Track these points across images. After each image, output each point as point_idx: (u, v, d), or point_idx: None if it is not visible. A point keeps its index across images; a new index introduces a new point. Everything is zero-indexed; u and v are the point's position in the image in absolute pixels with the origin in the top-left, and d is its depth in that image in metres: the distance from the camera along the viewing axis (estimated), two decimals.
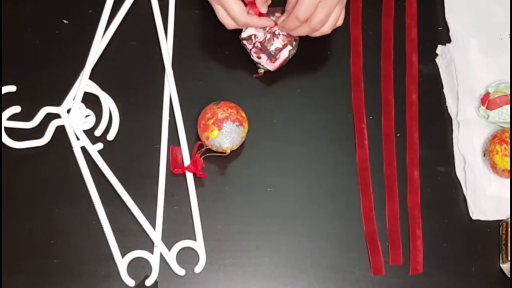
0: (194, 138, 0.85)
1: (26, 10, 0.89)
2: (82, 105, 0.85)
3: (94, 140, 0.84)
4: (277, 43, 0.85)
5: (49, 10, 0.89)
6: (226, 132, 0.81)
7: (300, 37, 0.86)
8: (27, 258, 0.80)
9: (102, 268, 0.80)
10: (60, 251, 0.80)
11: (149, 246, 0.81)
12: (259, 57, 0.85)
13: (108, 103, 0.85)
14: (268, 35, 0.85)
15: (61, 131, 0.84)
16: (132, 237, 0.81)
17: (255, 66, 0.88)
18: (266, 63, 0.86)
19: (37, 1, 0.90)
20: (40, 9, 0.89)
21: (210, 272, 0.81)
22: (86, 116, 0.85)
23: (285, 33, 0.85)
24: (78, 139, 0.84)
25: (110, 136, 0.85)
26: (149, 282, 0.79)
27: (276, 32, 0.85)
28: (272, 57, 0.85)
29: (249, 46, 0.86)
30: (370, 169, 0.86)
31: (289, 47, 0.86)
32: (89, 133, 0.84)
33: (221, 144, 0.81)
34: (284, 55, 0.85)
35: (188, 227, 0.82)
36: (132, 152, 0.85)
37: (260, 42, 0.85)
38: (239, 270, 0.81)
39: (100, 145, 0.84)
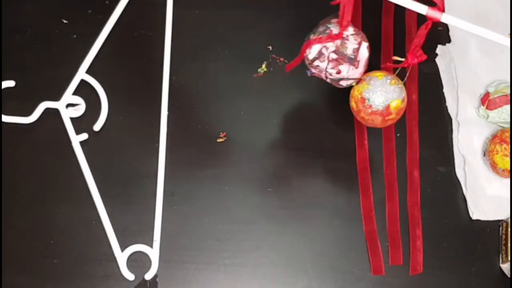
0: (194, 138, 0.86)
1: (26, 10, 0.89)
2: (80, 100, 0.86)
3: (93, 138, 0.84)
4: (351, 44, 0.78)
5: (49, 10, 0.90)
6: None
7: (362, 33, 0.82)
8: (27, 258, 0.80)
9: (102, 268, 0.80)
10: (60, 251, 0.80)
11: (148, 246, 0.81)
12: (339, 72, 0.78)
13: (100, 94, 0.86)
14: (338, 41, 0.77)
15: (61, 131, 0.84)
16: (132, 237, 0.81)
17: (255, 66, 0.88)
18: (350, 74, 0.79)
19: (37, 1, 0.90)
20: (40, 9, 0.90)
21: (210, 272, 0.81)
22: (76, 104, 0.86)
23: (353, 33, 0.79)
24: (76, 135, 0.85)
25: (97, 127, 0.85)
26: (148, 276, 0.79)
27: (345, 35, 0.78)
28: (352, 61, 0.78)
29: (322, 65, 0.78)
30: (370, 169, 0.86)
31: (365, 44, 0.80)
32: (90, 134, 0.85)
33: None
34: (363, 54, 0.79)
35: (187, 227, 0.82)
36: (132, 151, 0.85)
37: (334, 52, 0.77)
38: (239, 270, 0.81)
39: (85, 135, 0.84)
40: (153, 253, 0.81)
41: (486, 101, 0.87)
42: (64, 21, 0.90)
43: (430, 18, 0.72)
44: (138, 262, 0.81)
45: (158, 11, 0.91)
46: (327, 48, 0.78)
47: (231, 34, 0.90)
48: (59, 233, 0.81)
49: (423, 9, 0.72)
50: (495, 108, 0.86)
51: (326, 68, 0.78)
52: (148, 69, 0.88)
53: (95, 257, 0.80)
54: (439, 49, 0.92)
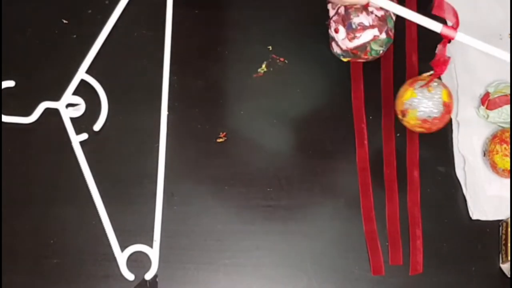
0: (194, 138, 0.86)
1: (26, 10, 0.89)
2: (80, 100, 0.86)
3: (93, 138, 0.84)
4: (364, 18, 0.75)
5: (49, 10, 0.90)
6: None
7: (390, 35, 0.81)
8: (27, 258, 0.80)
9: (102, 268, 0.80)
10: (59, 251, 0.80)
11: (148, 246, 0.81)
12: (336, 30, 0.76)
13: (100, 94, 0.86)
14: (359, 6, 0.73)
15: (61, 131, 0.84)
16: (132, 237, 0.81)
17: (255, 66, 0.88)
18: (341, 42, 0.76)
19: (37, 1, 0.90)
20: (40, 9, 0.89)
21: (210, 272, 0.81)
22: (76, 104, 0.86)
23: (380, 15, 0.76)
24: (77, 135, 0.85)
25: (97, 127, 0.85)
26: (148, 275, 0.79)
27: (369, 9, 0.75)
28: (351, 31, 0.75)
29: (332, 12, 0.75)
30: (370, 169, 0.86)
31: (375, 31, 0.77)
32: (90, 134, 0.85)
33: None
34: (366, 37, 0.77)
35: (187, 227, 0.82)
36: (132, 151, 0.85)
37: (345, 7, 0.73)
38: (239, 270, 0.81)
39: (85, 135, 0.84)
40: (153, 253, 0.81)
41: (486, 101, 0.87)
42: (64, 21, 0.89)
43: (445, 36, 0.71)
44: (138, 262, 0.81)
45: (158, 11, 0.90)
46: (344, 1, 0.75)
47: (231, 34, 0.90)
48: (59, 233, 0.81)
49: (437, 27, 0.71)
50: (495, 108, 0.86)
51: (331, 18, 0.76)
52: (148, 69, 0.88)
53: (95, 257, 0.80)
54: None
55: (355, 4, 0.73)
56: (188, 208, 0.83)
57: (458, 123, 0.88)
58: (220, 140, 0.86)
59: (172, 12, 0.90)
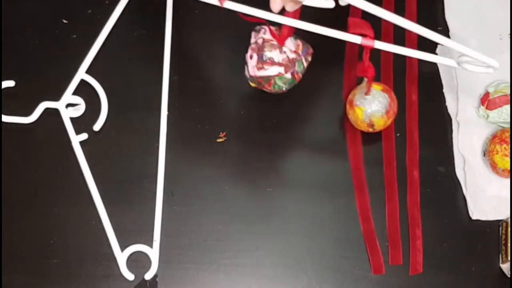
0: (194, 138, 0.86)
1: (26, 10, 0.89)
2: (80, 100, 0.86)
3: (93, 138, 0.84)
4: (276, 55, 0.81)
5: (49, 10, 0.90)
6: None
7: (295, 77, 0.83)
8: (27, 258, 0.80)
9: (102, 268, 0.80)
10: (59, 251, 0.80)
11: (148, 246, 0.81)
12: (251, 57, 0.82)
13: (100, 94, 0.86)
14: (275, 42, 0.81)
15: (61, 131, 0.84)
16: (132, 237, 0.81)
17: None
18: (251, 68, 0.82)
19: (37, 1, 0.90)
20: (40, 9, 0.90)
21: (210, 272, 0.81)
22: (76, 104, 0.86)
23: (291, 57, 0.81)
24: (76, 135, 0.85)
25: (97, 127, 0.85)
26: (148, 275, 0.79)
27: (284, 49, 0.81)
28: (261, 62, 0.81)
29: (252, 40, 0.82)
30: (365, 168, 0.86)
31: (281, 69, 0.81)
32: (90, 134, 0.85)
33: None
34: (272, 71, 0.81)
35: (187, 227, 0.82)
36: (132, 151, 0.85)
37: (263, 39, 0.81)
38: (239, 270, 0.81)
39: (85, 135, 0.84)
40: (153, 253, 0.81)
41: (486, 101, 0.87)
42: (64, 21, 0.90)
43: (366, 46, 0.77)
44: (138, 262, 0.81)
45: (158, 11, 0.91)
46: (265, 32, 0.82)
47: (231, 34, 0.90)
48: (59, 233, 0.81)
49: (357, 39, 0.76)
50: (495, 108, 0.86)
51: (251, 44, 0.82)
52: (148, 69, 0.88)
53: (95, 257, 0.80)
54: (439, 49, 0.92)
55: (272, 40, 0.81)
56: (188, 208, 0.83)
57: (458, 123, 0.88)
58: (220, 140, 0.86)
59: (172, 12, 0.91)
